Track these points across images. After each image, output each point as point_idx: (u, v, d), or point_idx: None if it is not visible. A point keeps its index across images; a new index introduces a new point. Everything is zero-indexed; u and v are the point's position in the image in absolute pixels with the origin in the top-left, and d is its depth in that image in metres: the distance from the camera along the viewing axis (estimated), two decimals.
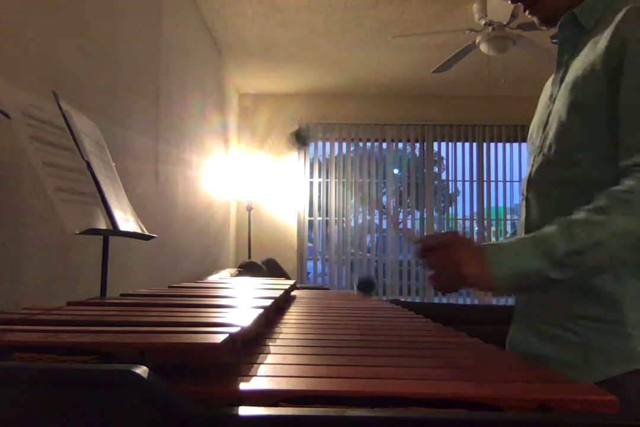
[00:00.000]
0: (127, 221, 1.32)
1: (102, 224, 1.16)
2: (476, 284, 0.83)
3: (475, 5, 3.44)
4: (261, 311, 0.81)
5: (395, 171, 5.95)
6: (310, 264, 5.62)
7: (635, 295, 0.88)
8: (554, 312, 0.94)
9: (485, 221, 5.66)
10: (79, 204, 1.08)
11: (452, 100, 5.42)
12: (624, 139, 0.85)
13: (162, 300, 1.03)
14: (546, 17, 1.01)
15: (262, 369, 0.60)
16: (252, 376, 0.57)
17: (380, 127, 5.58)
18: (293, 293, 1.64)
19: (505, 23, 3.37)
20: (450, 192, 5.94)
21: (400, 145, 5.75)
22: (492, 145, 5.62)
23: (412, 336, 0.93)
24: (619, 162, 0.85)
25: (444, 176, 6.69)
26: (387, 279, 5.55)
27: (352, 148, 5.68)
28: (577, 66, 0.93)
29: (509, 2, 1.03)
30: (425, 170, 5.69)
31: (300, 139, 1.32)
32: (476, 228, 5.74)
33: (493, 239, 5.73)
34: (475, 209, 5.70)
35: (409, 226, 5.92)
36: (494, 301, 5.44)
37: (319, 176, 5.63)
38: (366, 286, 1.19)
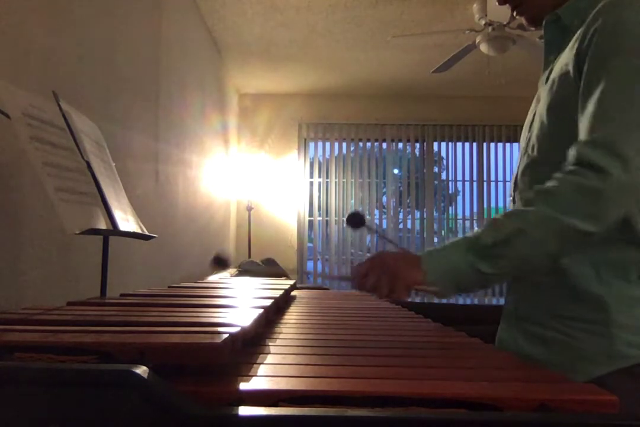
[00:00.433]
0: (127, 221, 1.32)
1: (102, 224, 1.16)
2: (419, 287, 0.84)
3: (475, 5, 3.43)
4: (261, 311, 0.81)
5: (395, 171, 5.95)
6: (310, 264, 5.62)
7: (620, 296, 0.88)
8: (541, 313, 0.94)
9: (485, 221, 5.66)
10: (79, 204, 1.08)
11: (452, 100, 5.42)
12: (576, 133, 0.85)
13: (162, 300, 1.03)
14: (533, 18, 1.01)
15: (262, 369, 0.60)
16: (252, 376, 0.57)
17: (380, 127, 5.58)
18: (293, 293, 1.64)
19: (505, 23, 3.37)
20: (450, 192, 5.94)
21: (400, 145, 5.75)
22: (492, 145, 5.62)
23: (412, 336, 0.93)
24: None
25: (444, 176, 6.68)
26: None
27: (352, 148, 5.68)
28: (558, 66, 0.94)
29: (497, 3, 1.03)
30: (425, 170, 5.69)
31: (221, 262, 1.37)
32: (476, 228, 5.73)
33: None
34: (475, 209, 5.70)
35: (409, 226, 5.92)
36: (494, 301, 5.45)
37: (319, 176, 5.63)
38: (356, 220, 1.20)
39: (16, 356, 0.52)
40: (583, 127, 0.84)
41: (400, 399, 0.50)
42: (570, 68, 0.88)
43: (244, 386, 0.53)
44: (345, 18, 3.72)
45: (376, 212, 5.78)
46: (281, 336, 0.86)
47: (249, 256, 4.77)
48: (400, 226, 5.89)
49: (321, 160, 5.69)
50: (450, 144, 5.66)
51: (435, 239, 5.79)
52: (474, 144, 5.62)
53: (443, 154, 5.80)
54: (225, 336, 0.57)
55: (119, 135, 2.07)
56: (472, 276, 0.84)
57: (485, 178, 5.63)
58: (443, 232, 5.91)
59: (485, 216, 5.65)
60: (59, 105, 1.21)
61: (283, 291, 1.25)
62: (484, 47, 3.51)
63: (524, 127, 1.06)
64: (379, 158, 5.70)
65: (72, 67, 1.72)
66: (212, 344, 0.54)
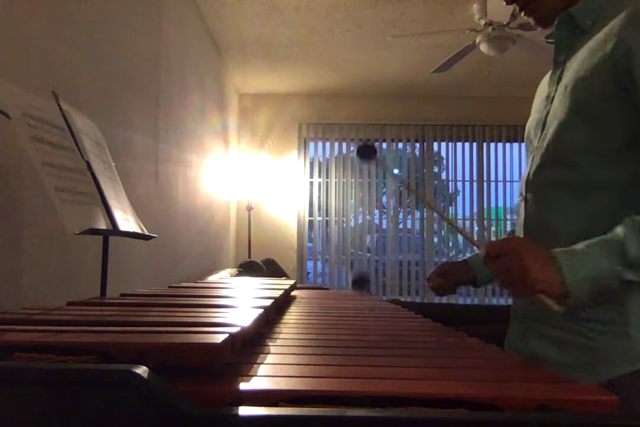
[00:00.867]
0: (127, 221, 1.32)
1: (102, 224, 1.16)
2: (546, 291, 0.80)
3: (475, 5, 3.44)
4: (261, 311, 0.81)
5: (395, 171, 5.95)
6: (310, 264, 5.62)
7: (638, 296, 0.88)
8: (556, 314, 0.93)
9: (485, 221, 5.66)
10: (79, 204, 1.08)
11: (452, 100, 5.42)
12: None
13: (162, 300, 1.03)
14: (542, 18, 1.01)
15: (262, 369, 0.60)
16: (252, 376, 0.57)
17: (380, 127, 5.58)
18: (293, 293, 1.64)
19: (505, 23, 3.37)
20: (450, 192, 5.94)
21: (400, 145, 5.75)
22: (492, 145, 5.63)
23: (412, 336, 0.93)
24: None
25: (444, 176, 6.68)
26: (387, 279, 5.55)
27: (352, 148, 5.68)
28: (576, 67, 0.92)
29: (505, 3, 1.03)
30: (425, 170, 5.69)
31: (362, 282, 1.36)
32: (476, 228, 5.74)
33: (493, 239, 5.73)
34: (475, 209, 5.70)
35: (409, 226, 5.92)
36: (494, 301, 5.45)
37: (319, 176, 5.63)
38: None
39: (16, 356, 0.52)
40: None
41: (400, 399, 0.50)
42: (605, 72, 0.87)
43: (244, 386, 0.53)
44: (345, 18, 3.72)
45: (376, 212, 5.78)
46: (281, 336, 0.86)
47: (249, 256, 4.77)
48: (400, 226, 5.89)
49: (321, 160, 5.69)
50: (450, 144, 5.66)
51: (435, 239, 5.79)
52: (474, 144, 5.62)
53: (443, 154, 5.81)
54: (225, 336, 0.57)
55: (119, 135, 2.07)
56: (611, 281, 0.81)
57: (485, 178, 5.63)
58: (443, 232, 5.91)
59: (485, 216, 5.66)
60: (59, 105, 1.21)
61: (283, 291, 1.25)
62: (484, 47, 3.51)
63: (531, 126, 1.05)
64: (379, 158, 5.69)
65: (72, 67, 1.72)
66: (212, 344, 0.54)
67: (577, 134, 0.91)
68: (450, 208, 6.18)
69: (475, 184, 5.65)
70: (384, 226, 5.77)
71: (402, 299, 5.18)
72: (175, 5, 3.01)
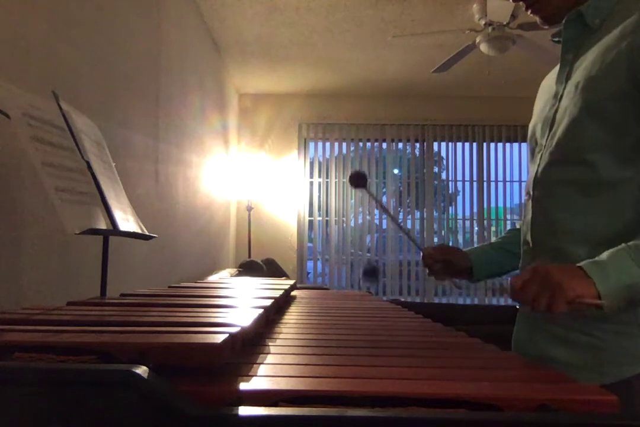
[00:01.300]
0: (127, 221, 1.32)
1: (102, 224, 1.16)
2: (585, 295, 0.79)
3: (475, 5, 3.44)
4: (261, 311, 0.81)
5: (395, 171, 5.95)
6: (310, 264, 5.62)
7: None
8: (563, 314, 0.93)
9: (485, 221, 5.66)
10: (79, 204, 1.08)
11: (452, 100, 5.42)
12: None
13: (162, 300, 1.03)
14: (548, 16, 1.00)
15: (262, 369, 0.60)
16: (252, 376, 0.57)
17: (380, 127, 5.58)
18: (293, 293, 1.64)
19: (505, 23, 3.37)
20: (450, 192, 5.94)
21: (400, 145, 5.75)
22: (492, 145, 5.63)
23: (412, 336, 0.93)
24: None
25: (444, 176, 6.69)
26: (387, 279, 5.55)
27: (352, 148, 5.68)
28: (587, 66, 0.92)
29: (511, 0, 1.03)
30: (425, 170, 5.69)
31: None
32: (476, 228, 5.74)
33: (493, 239, 5.72)
34: (475, 209, 5.70)
35: (409, 226, 5.92)
36: (494, 301, 5.45)
37: (319, 176, 5.63)
38: (371, 273, 1.18)
39: (16, 356, 0.52)
40: None
41: (400, 399, 0.50)
42: (619, 72, 0.86)
43: (244, 386, 0.53)
44: (345, 18, 3.72)
45: (376, 212, 5.78)
46: (281, 336, 0.86)
47: (249, 256, 4.77)
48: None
49: (321, 160, 5.69)
50: (450, 144, 5.66)
51: (435, 239, 5.79)
52: (474, 144, 5.62)
53: (443, 154, 5.81)
54: (225, 336, 0.57)
55: (119, 135, 2.07)
56: None
57: (485, 178, 5.63)
58: (443, 232, 5.91)
59: (485, 216, 5.66)
60: (59, 105, 1.21)
61: (283, 291, 1.25)
62: (484, 47, 3.51)
63: (536, 125, 1.04)
64: (379, 158, 5.70)
65: (72, 67, 1.72)
66: (212, 344, 0.54)
67: (588, 133, 0.90)
68: (450, 208, 6.18)
69: (475, 184, 5.65)
70: (384, 226, 5.77)
71: (402, 299, 5.19)
72: (175, 5, 3.01)
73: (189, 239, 3.34)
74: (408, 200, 5.87)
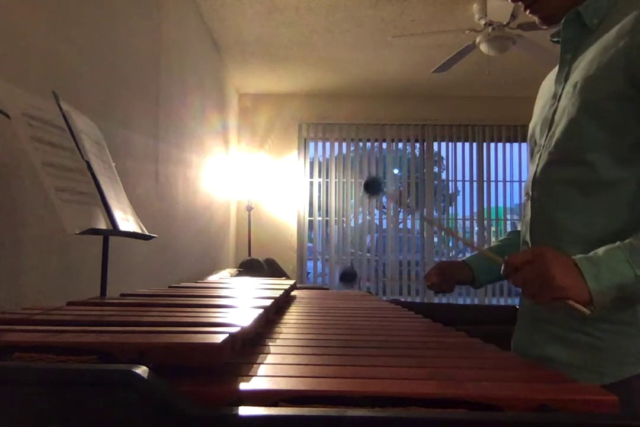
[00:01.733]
0: (127, 221, 1.32)
1: (102, 224, 1.16)
2: (573, 297, 0.78)
3: (475, 5, 3.44)
4: (261, 311, 0.81)
5: (395, 171, 5.95)
6: (310, 264, 5.62)
7: None
8: (565, 315, 0.92)
9: (485, 221, 5.67)
10: (79, 204, 1.08)
11: (452, 100, 5.42)
12: None
13: (162, 300, 1.03)
14: (547, 16, 1.00)
15: (262, 369, 0.60)
16: (252, 376, 0.57)
17: (380, 127, 5.58)
18: (293, 293, 1.64)
19: (505, 23, 3.37)
20: (450, 192, 5.94)
21: (400, 145, 5.75)
22: (492, 145, 5.63)
23: (412, 336, 0.93)
24: None
25: (444, 176, 6.69)
26: (387, 279, 5.55)
27: (352, 148, 5.68)
28: (585, 66, 0.92)
29: (510, 0, 1.03)
30: (425, 170, 5.69)
31: (349, 277, 1.34)
32: (476, 228, 5.74)
33: (493, 239, 5.73)
34: (475, 209, 5.70)
35: (409, 226, 5.92)
36: (494, 301, 5.45)
37: (319, 176, 5.63)
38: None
39: (16, 356, 0.52)
40: None
41: (400, 399, 0.50)
42: (617, 72, 0.86)
43: (244, 386, 0.53)
44: (345, 18, 3.72)
45: (376, 212, 5.78)
46: (281, 336, 0.86)
47: (249, 256, 4.77)
48: (400, 226, 5.89)
49: (321, 160, 5.69)
50: (450, 144, 5.66)
51: (435, 239, 5.79)
52: (474, 144, 5.62)
53: (443, 154, 5.81)
54: (225, 336, 0.57)
55: (119, 135, 2.07)
56: (636, 288, 0.80)
57: (485, 178, 5.63)
58: (443, 232, 5.91)
59: (485, 216, 5.66)
60: (59, 105, 1.21)
61: (283, 291, 1.25)
62: (484, 47, 3.51)
63: (536, 125, 1.04)
64: (379, 158, 5.70)
65: (72, 67, 1.72)
66: (212, 344, 0.54)
67: (587, 132, 0.90)
68: (450, 208, 6.18)
69: (475, 184, 5.65)
70: (384, 226, 5.77)
71: (402, 299, 5.19)
72: (175, 5, 3.01)
73: (189, 239, 3.34)
74: (408, 200, 5.86)
